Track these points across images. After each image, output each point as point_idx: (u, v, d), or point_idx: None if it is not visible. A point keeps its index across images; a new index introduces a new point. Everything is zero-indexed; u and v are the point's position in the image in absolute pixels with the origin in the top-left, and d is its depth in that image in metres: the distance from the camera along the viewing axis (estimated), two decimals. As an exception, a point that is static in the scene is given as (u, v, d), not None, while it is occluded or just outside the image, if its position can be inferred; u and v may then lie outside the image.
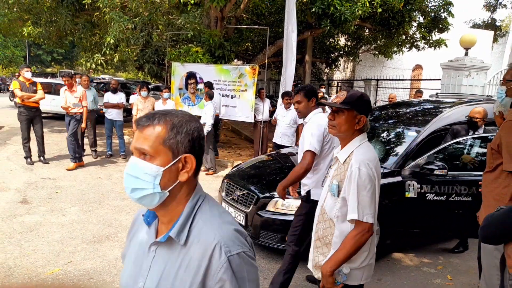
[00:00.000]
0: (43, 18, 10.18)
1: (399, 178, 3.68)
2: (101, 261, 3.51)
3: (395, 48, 13.00)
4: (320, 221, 1.98)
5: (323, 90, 10.11)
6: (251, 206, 3.79)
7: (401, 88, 13.26)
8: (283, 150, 5.42)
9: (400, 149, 4.10)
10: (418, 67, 17.73)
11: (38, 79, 10.53)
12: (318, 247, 1.99)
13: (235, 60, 10.25)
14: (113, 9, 7.46)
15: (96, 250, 3.73)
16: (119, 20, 7.24)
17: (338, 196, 1.83)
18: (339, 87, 16.24)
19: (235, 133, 12.46)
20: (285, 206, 3.60)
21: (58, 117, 13.20)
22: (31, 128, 6.75)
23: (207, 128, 6.75)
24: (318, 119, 2.81)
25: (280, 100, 6.79)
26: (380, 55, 13.78)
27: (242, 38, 10.79)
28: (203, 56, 8.47)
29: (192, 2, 7.64)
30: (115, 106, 7.73)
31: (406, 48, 12.82)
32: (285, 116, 6.38)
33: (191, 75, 8.53)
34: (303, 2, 9.35)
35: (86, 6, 8.54)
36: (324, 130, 2.72)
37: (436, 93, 6.10)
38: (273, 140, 6.57)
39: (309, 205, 2.83)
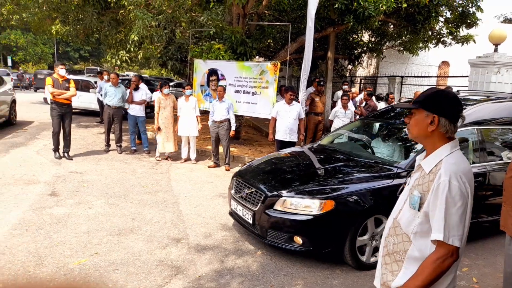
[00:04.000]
0: (71, 17, 10.47)
1: None
2: (126, 253, 3.62)
3: (420, 44, 12.67)
4: (391, 235, 1.74)
5: (346, 87, 9.97)
6: (259, 204, 3.74)
7: (427, 85, 12.91)
8: (296, 148, 5.36)
9: (415, 149, 4.03)
10: (445, 63, 17.23)
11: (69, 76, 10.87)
12: (387, 263, 1.75)
13: (257, 57, 10.25)
14: (138, 7, 7.58)
15: (121, 243, 3.85)
16: (143, 17, 7.36)
17: (419, 210, 1.60)
18: (362, 84, 16.01)
19: (256, 130, 12.49)
20: (293, 206, 3.54)
21: (85, 113, 13.60)
22: (61, 124, 6.97)
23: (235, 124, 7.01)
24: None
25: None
26: (405, 51, 13.46)
27: (264, 34, 10.78)
28: (225, 53, 8.52)
29: (215, -1, 7.69)
30: (139, 102, 7.91)
31: (432, 44, 12.47)
32: (290, 111, 6.32)
33: (212, 72, 8.61)
34: (326, -3, 9.25)
35: (112, 4, 8.73)
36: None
37: (457, 91, 5.94)
38: (277, 138, 6.39)
39: None
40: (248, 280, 3.31)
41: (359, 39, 13.99)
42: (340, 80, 14.86)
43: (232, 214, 4.28)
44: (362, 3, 8.25)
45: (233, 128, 7.17)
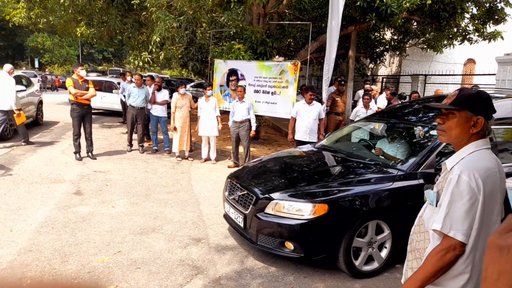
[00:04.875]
0: (95, 19, 10.73)
1: (415, 182, 3.45)
2: (147, 252, 3.67)
3: (445, 42, 12.33)
4: (416, 232, 1.76)
5: (368, 86, 9.81)
6: (250, 207, 3.59)
7: (452, 83, 12.58)
8: (296, 149, 5.26)
9: (420, 150, 3.83)
10: (471, 61, 16.73)
11: (92, 77, 11.15)
12: (409, 260, 1.79)
13: (277, 56, 10.23)
14: (160, 8, 7.70)
15: (143, 241, 3.90)
16: (165, 19, 7.47)
17: (436, 206, 1.60)
18: (384, 83, 15.73)
19: (275, 129, 12.46)
20: (285, 209, 3.36)
21: (108, 113, 13.90)
22: (82, 124, 7.13)
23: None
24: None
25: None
26: (428, 49, 13.15)
27: (284, 34, 10.74)
28: (245, 53, 8.54)
29: (235, -1, 7.71)
30: (161, 103, 8.04)
31: (458, 41, 12.12)
32: (310, 111, 6.25)
33: (232, 72, 8.64)
34: (347, -5, 9.12)
35: (135, 6, 8.89)
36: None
37: (473, 87, 5.74)
38: (296, 138, 6.33)
39: None
40: (268, 281, 3.30)
41: (381, 37, 13.75)
42: (362, 79, 14.65)
43: (226, 217, 4.16)
44: (384, 1, 8.10)
45: (253, 128, 7.17)
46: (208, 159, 7.69)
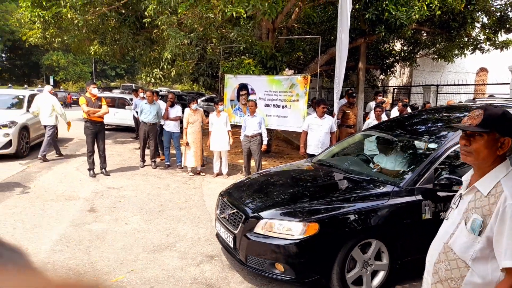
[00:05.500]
0: (108, 38, 10.99)
1: (412, 198, 3.33)
2: (161, 270, 3.67)
3: (456, 51, 12.27)
4: (442, 260, 1.67)
5: (380, 98, 9.77)
6: (239, 226, 3.45)
7: (464, 93, 12.45)
8: (291, 164, 5.19)
9: (416, 164, 3.70)
10: (483, 70, 16.56)
11: (106, 94, 11.36)
12: None
13: (286, 70, 10.29)
14: (170, 26, 7.84)
15: (156, 259, 3.90)
16: (175, 36, 7.60)
17: (479, 235, 1.53)
18: (395, 94, 15.64)
19: (287, 142, 12.45)
20: (275, 229, 3.21)
21: (121, 129, 14.09)
22: (96, 141, 7.23)
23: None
24: None
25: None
26: (439, 59, 13.08)
27: (293, 48, 10.82)
28: (255, 68, 8.62)
29: (245, 15, 7.82)
30: (174, 119, 8.13)
31: (469, 50, 12.04)
32: (321, 125, 6.22)
33: (242, 87, 8.70)
34: (355, 8, 9.18)
35: (146, 25, 9.08)
36: None
37: (474, 98, 5.65)
38: (308, 152, 6.28)
39: None
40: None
41: (391, 48, 13.74)
42: (372, 90, 14.60)
43: (218, 236, 4.02)
44: (393, 13, 8.11)
45: (264, 142, 7.17)
46: (220, 173, 7.70)
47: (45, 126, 8.49)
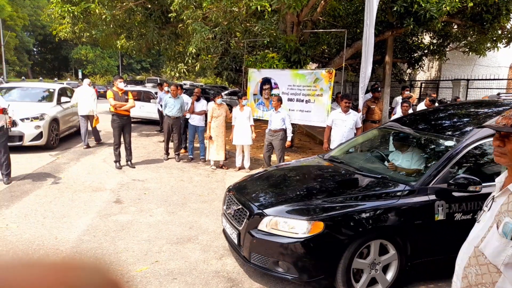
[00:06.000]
0: (134, 32, 11.18)
1: (424, 198, 3.21)
2: (184, 263, 3.72)
3: (488, 44, 11.74)
4: (473, 265, 1.63)
5: (407, 93, 9.51)
6: (243, 223, 3.41)
7: (496, 88, 11.95)
8: (302, 160, 5.09)
9: (432, 163, 3.56)
10: (517, 64, 15.81)
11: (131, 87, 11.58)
12: None
13: (310, 63, 10.16)
14: (195, 21, 7.89)
15: (179, 252, 3.96)
16: (200, 30, 7.64)
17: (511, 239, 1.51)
18: (422, 88, 15.21)
19: (309, 137, 12.35)
20: (279, 226, 3.15)
21: (146, 122, 14.35)
22: (122, 134, 7.40)
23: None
24: None
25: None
26: (470, 53, 12.57)
27: (318, 41, 10.66)
28: (278, 62, 8.56)
29: (269, 9, 7.76)
30: (199, 113, 8.20)
31: (502, 43, 11.50)
32: (346, 120, 6.12)
33: (266, 81, 8.66)
34: (383, 1, 8.94)
35: (171, 19, 9.17)
36: None
37: (498, 93, 5.38)
38: (332, 147, 6.11)
39: None
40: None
41: (419, 41, 13.33)
42: (399, 84, 14.24)
43: (224, 232, 3.99)
44: (423, 5, 7.85)
45: (288, 138, 7.10)
46: (242, 167, 7.73)
47: (85, 116, 9.24)
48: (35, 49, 56.10)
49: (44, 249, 3.87)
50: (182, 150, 8.93)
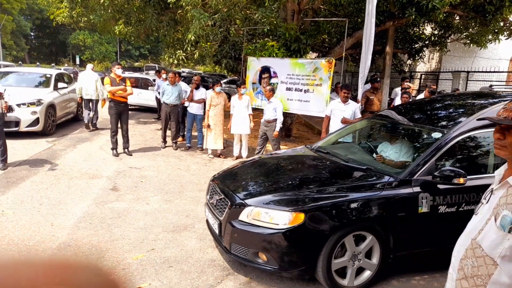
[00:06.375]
0: (133, 18, 11.02)
1: (408, 190, 3.18)
2: (180, 251, 3.73)
3: (490, 36, 11.65)
4: (469, 257, 1.61)
5: (407, 83, 9.44)
6: (224, 213, 3.36)
7: (496, 81, 11.89)
8: (289, 150, 5.06)
9: (418, 154, 3.53)
10: (518, 56, 15.72)
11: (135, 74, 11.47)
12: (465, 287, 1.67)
13: (310, 53, 10.05)
14: (195, 7, 7.76)
15: (175, 240, 3.96)
16: (199, 17, 7.52)
17: (509, 232, 1.49)
18: (422, 80, 15.14)
19: (307, 127, 12.32)
20: (260, 217, 3.09)
21: (144, 109, 14.27)
22: (119, 121, 7.34)
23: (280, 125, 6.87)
24: None
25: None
26: (471, 44, 12.48)
27: (318, 30, 10.54)
28: (278, 50, 8.47)
29: (270, -4, 7.66)
30: (198, 101, 8.13)
31: (504, 36, 11.41)
32: (345, 111, 6.08)
33: (265, 70, 8.59)
34: (385, -10, 8.83)
35: (170, 5, 9.01)
36: None
37: (490, 85, 5.34)
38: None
39: None
40: (300, 285, 3.25)
41: (420, 32, 13.21)
42: (399, 75, 14.17)
43: (207, 222, 3.92)
44: (425, -5, 7.74)
45: (276, 129, 7.00)
46: (239, 156, 7.71)
47: (89, 100, 9.60)
48: (32, 34, 55.48)
49: (40, 235, 3.87)
50: (180, 138, 8.89)
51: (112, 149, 7.34)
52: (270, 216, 3.08)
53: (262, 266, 3.13)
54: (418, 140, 4.14)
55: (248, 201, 3.25)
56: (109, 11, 10.37)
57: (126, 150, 7.50)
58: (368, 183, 3.34)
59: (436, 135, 3.62)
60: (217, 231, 3.47)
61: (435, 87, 9.32)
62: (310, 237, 3.04)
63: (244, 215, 3.18)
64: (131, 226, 4.24)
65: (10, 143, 6.61)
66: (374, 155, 4.23)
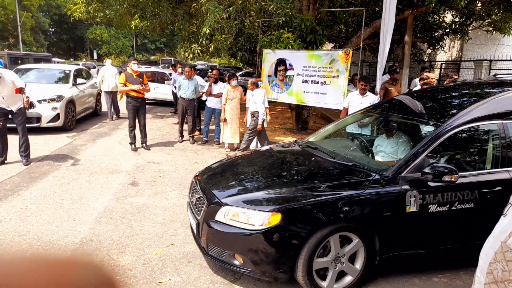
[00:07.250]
0: (148, 12, 11.06)
1: (395, 188, 3.00)
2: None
3: (514, 23, 11.24)
4: (499, 260, 1.55)
5: (426, 74, 9.19)
6: (202, 212, 3.23)
7: (504, 69, 11.47)
8: (286, 144, 4.94)
9: (407, 150, 3.39)
10: (544, 43, 15.11)
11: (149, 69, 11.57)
12: None
13: (326, 43, 9.91)
14: (209, 0, 7.72)
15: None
16: (214, 10, 7.48)
17: None
18: (442, 69, 14.75)
19: (324, 119, 12.19)
20: (237, 217, 2.95)
21: (160, 103, 14.39)
22: (137, 117, 7.41)
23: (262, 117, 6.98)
24: None
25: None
26: (494, 32, 12.05)
27: (335, 21, 10.38)
28: (294, 42, 8.37)
29: (285, -13, 7.54)
30: (216, 95, 8.14)
31: (530, 22, 10.99)
32: (363, 103, 5.93)
33: (280, 62, 8.51)
34: (404, -23, 8.59)
35: (185, -1, 9.03)
36: None
37: (495, 74, 5.10)
38: (348, 131, 6.03)
39: None
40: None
41: (440, 20, 12.82)
42: (418, 65, 13.82)
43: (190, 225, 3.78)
44: (446, -18, 7.49)
45: (259, 121, 6.97)
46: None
47: (109, 92, 10.51)
48: (51, 30, 56.43)
49: (63, 230, 3.96)
50: (197, 133, 8.94)
51: (131, 143, 7.43)
52: (247, 216, 2.93)
53: (238, 268, 3.02)
54: (411, 135, 3.98)
55: (225, 200, 3.11)
56: (125, 6, 10.44)
57: (144, 144, 7.58)
58: (353, 181, 3.15)
59: (429, 128, 3.47)
60: (195, 231, 3.36)
61: (457, 76, 9.04)
62: (288, 239, 2.87)
63: (221, 215, 3.04)
64: (151, 221, 4.29)
65: (32, 139, 6.76)
66: (366, 151, 4.09)
